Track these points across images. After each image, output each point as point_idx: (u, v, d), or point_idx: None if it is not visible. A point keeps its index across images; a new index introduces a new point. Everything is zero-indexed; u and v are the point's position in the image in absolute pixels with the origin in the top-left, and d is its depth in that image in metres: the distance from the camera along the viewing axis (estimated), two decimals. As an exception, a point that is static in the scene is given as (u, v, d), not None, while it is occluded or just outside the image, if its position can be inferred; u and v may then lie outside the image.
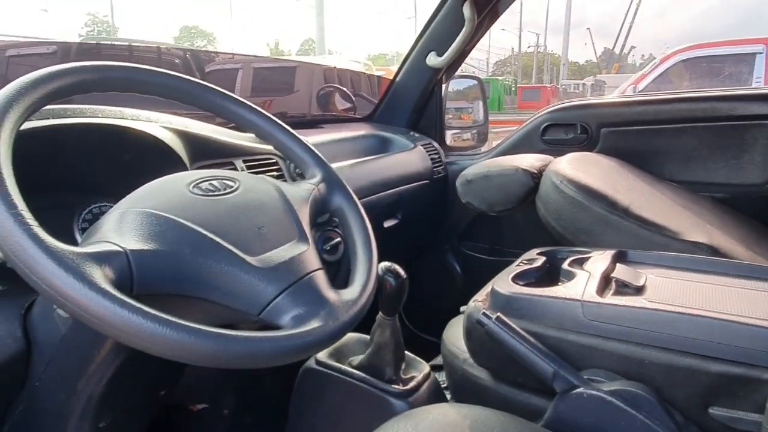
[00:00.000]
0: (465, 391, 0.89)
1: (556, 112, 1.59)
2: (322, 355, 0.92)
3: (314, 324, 0.50)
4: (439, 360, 1.04)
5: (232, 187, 0.58)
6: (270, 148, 0.98)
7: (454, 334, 0.95)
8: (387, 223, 1.44)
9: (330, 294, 0.55)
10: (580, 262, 0.88)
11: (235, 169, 0.90)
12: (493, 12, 1.57)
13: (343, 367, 0.89)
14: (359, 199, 1.24)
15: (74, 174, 0.74)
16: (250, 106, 0.70)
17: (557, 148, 1.50)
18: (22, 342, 0.60)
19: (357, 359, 0.90)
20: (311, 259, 0.56)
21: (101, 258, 0.43)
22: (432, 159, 1.64)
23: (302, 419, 0.92)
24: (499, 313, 0.75)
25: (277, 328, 0.50)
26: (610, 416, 0.68)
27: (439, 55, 1.60)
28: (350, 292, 0.57)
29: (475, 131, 1.97)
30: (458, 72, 1.81)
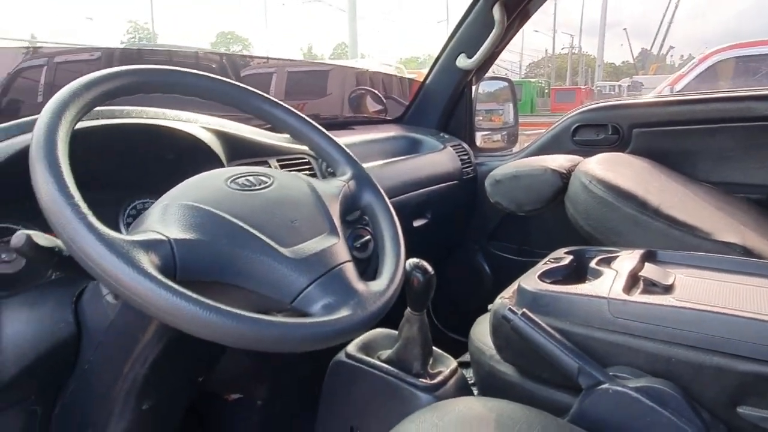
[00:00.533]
0: (492, 386, 0.90)
1: (587, 113, 1.58)
2: (352, 349, 0.94)
3: (343, 313, 0.53)
4: (466, 357, 1.05)
5: (266, 182, 0.61)
6: (303, 148, 1.01)
7: (482, 331, 0.96)
8: (416, 223, 1.46)
9: (359, 285, 0.57)
10: (607, 261, 0.88)
11: (270, 167, 0.94)
12: (524, 13, 1.57)
13: (372, 360, 0.91)
14: (389, 198, 1.26)
15: (120, 172, 0.79)
16: (285, 107, 0.73)
17: (588, 149, 1.50)
18: (74, 327, 0.64)
19: (385, 353, 0.93)
20: (341, 251, 0.59)
21: (148, 245, 0.47)
22: (461, 160, 1.65)
23: (331, 410, 0.95)
24: (524, 309, 0.76)
25: (307, 316, 0.52)
26: (636, 413, 0.68)
27: (469, 57, 1.61)
28: (378, 284, 0.60)
29: (505, 133, 1.97)
30: (489, 74, 1.82)
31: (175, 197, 0.56)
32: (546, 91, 23.19)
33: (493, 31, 1.53)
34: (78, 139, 0.55)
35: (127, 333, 0.62)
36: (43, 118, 0.50)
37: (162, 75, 0.62)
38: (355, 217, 1.07)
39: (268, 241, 0.53)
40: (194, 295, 0.44)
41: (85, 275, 0.52)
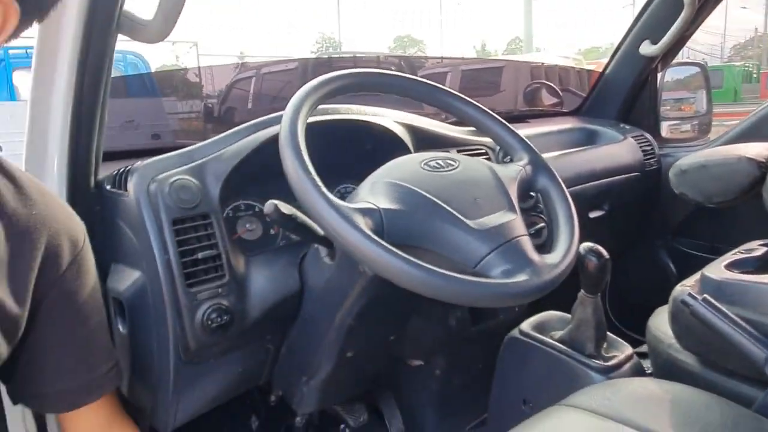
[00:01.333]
0: (670, 375, 0.89)
1: None
2: (526, 327, 1.00)
3: (521, 278, 0.60)
4: (643, 348, 1.04)
5: (453, 165, 0.70)
6: (481, 139, 1.09)
7: (660, 320, 0.95)
8: (593, 214, 1.45)
9: (534, 256, 0.64)
10: (809, 253, 0.82)
11: None
12: (720, -8, 1.47)
13: (545, 338, 0.96)
14: None
15: (328, 159, 0.94)
16: (467, 100, 0.82)
17: None
18: (298, 284, 0.81)
19: (558, 333, 0.97)
20: (518, 226, 0.66)
21: (364, 212, 0.59)
22: (644, 151, 1.59)
23: (505, 383, 1.02)
24: (706, 295, 0.75)
25: (488, 279, 0.61)
26: (834, 408, 0.65)
27: (654, 43, 1.54)
28: (552, 257, 0.66)
29: (696, 122, 1.84)
30: (682, 59, 1.72)
31: (380, 176, 0.68)
32: (755, 75, 20.13)
33: (682, 14, 1.45)
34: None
35: (339, 289, 0.76)
36: (287, 114, 0.65)
37: (370, 77, 0.75)
38: (529, 205, 1.12)
39: (456, 213, 0.63)
40: (401, 253, 0.55)
41: (311, 240, 0.67)
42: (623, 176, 1.51)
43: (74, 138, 0.75)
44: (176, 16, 0.70)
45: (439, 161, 0.71)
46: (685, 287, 0.83)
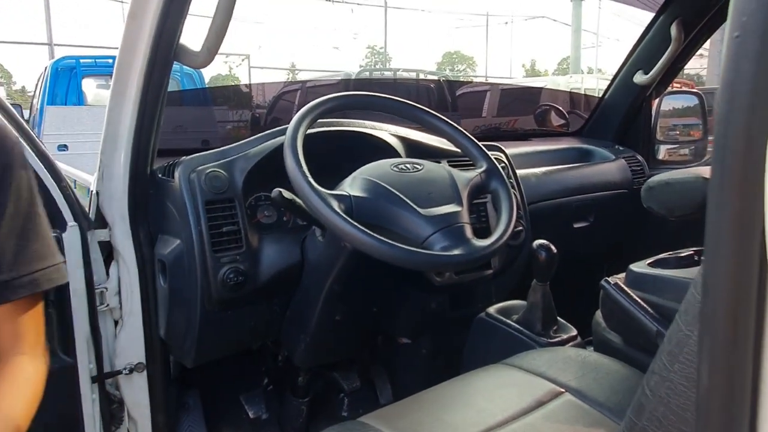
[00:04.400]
0: (602, 352, 1.06)
1: None
2: (492, 310, 1.19)
3: (455, 252, 0.80)
4: (597, 337, 1.21)
5: (418, 168, 0.91)
6: None
7: (604, 310, 1.12)
8: (577, 224, 1.62)
9: (471, 238, 0.84)
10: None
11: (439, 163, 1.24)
12: (706, 29, 1.62)
13: (505, 319, 1.15)
14: (548, 200, 1.50)
15: (336, 163, 1.16)
16: (437, 115, 1.03)
17: None
18: (300, 257, 1.03)
19: (516, 316, 1.15)
20: (462, 216, 0.86)
21: (338, 198, 0.81)
22: (633, 171, 1.74)
23: (473, 354, 1.21)
24: (617, 281, 0.93)
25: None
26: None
27: (645, 73, 1.71)
28: (486, 241, 0.85)
29: (693, 147, 1.98)
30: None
31: (359, 173, 0.89)
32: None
33: (669, 47, 1.61)
34: (311, 140, 0.92)
35: (328, 261, 0.98)
36: (290, 127, 0.88)
37: (353, 98, 0.97)
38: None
39: (410, 202, 0.84)
40: (363, 228, 0.76)
41: (307, 220, 0.89)
42: (610, 192, 1.67)
43: (137, 138, 0.99)
44: (217, 48, 0.94)
45: (407, 165, 0.92)
46: (615, 278, 1.01)
